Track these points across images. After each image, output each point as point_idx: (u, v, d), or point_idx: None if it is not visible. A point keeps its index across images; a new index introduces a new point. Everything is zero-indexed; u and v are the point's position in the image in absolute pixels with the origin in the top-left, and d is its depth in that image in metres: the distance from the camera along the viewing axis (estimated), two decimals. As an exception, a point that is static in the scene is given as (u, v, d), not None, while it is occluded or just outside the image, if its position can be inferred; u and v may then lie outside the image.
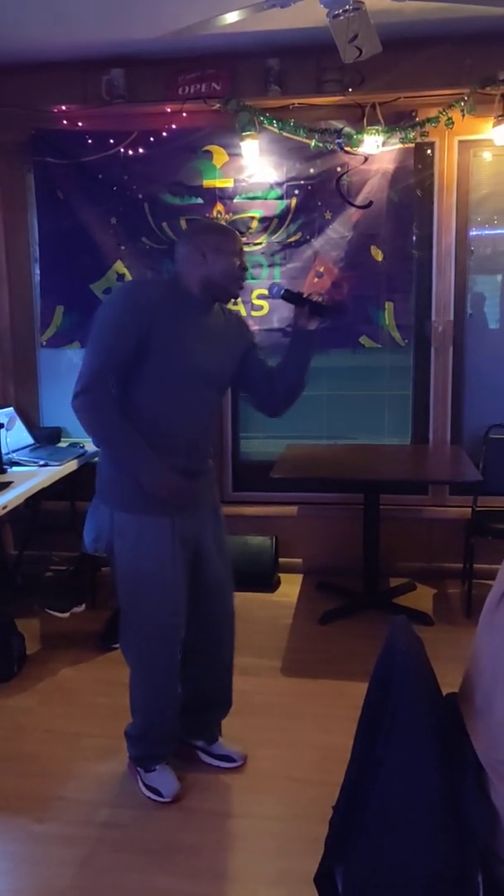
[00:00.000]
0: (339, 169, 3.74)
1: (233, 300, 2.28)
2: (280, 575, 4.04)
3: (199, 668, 2.34)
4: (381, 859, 1.35)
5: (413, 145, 3.68)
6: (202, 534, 2.23)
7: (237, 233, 2.21)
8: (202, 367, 2.13)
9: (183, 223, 3.87)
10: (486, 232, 3.93)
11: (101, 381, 2.02)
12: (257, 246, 3.86)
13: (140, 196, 3.90)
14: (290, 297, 2.22)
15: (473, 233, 3.88)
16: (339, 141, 3.61)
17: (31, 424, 4.04)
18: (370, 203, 3.73)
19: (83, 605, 3.43)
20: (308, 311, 2.20)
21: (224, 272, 2.11)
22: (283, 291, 2.22)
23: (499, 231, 3.93)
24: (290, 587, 3.94)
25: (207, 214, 3.86)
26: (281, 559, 4.06)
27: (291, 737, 2.58)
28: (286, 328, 3.76)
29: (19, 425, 3.90)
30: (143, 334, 2.02)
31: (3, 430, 3.43)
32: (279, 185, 3.81)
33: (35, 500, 3.55)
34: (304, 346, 2.24)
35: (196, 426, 2.18)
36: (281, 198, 3.81)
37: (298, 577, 4.04)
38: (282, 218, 3.83)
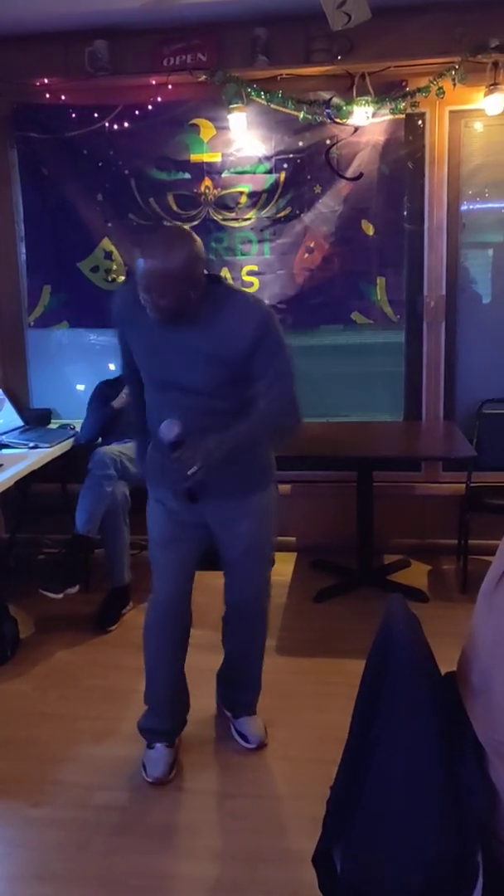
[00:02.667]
0: (328, 141, 3.67)
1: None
2: (274, 554, 4.01)
3: (229, 644, 2.49)
4: (379, 839, 1.34)
5: (403, 116, 3.61)
6: (214, 518, 2.22)
7: (142, 263, 1.94)
8: (173, 372, 2.06)
9: (171, 200, 3.79)
10: (478, 205, 3.87)
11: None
12: (246, 221, 3.80)
13: (126, 171, 3.82)
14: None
15: (465, 204, 3.83)
16: (329, 111, 3.54)
17: (20, 406, 3.99)
18: (360, 175, 3.67)
19: (77, 587, 3.39)
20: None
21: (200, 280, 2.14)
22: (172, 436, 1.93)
23: (490, 204, 3.88)
24: (285, 566, 3.93)
25: (195, 189, 3.79)
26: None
27: (288, 716, 2.57)
28: (278, 304, 3.72)
29: (8, 407, 3.85)
30: (125, 341, 2.21)
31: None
32: (268, 158, 3.74)
33: (26, 483, 3.52)
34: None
35: (188, 427, 1.97)
36: (270, 172, 3.75)
37: (292, 556, 4.03)
38: (271, 192, 3.77)
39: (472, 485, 3.67)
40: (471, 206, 3.86)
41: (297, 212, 3.77)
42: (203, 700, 2.53)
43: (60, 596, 3.18)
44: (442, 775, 1.24)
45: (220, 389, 2.06)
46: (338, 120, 3.58)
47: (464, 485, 3.67)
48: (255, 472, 2.22)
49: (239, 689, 2.51)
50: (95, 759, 2.39)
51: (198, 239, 1.98)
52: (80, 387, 4.14)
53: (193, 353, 2.03)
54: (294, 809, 2.12)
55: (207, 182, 3.79)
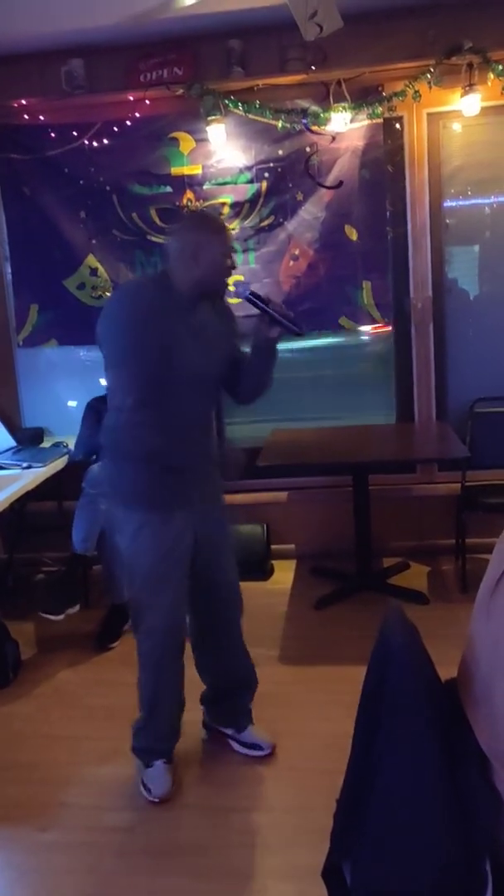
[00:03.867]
0: (307, 149, 3.68)
1: (219, 296, 2.27)
2: (273, 562, 4.02)
3: (216, 654, 2.42)
4: (388, 852, 1.33)
5: (381, 120, 3.62)
6: (203, 526, 2.24)
7: (229, 230, 2.20)
8: (194, 367, 2.12)
9: (154, 214, 3.80)
10: (461, 202, 3.89)
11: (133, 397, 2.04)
12: (231, 231, 3.80)
13: (108, 188, 3.83)
14: (254, 300, 2.16)
15: (448, 203, 3.84)
16: (305, 121, 3.56)
17: (12, 426, 3.98)
18: (340, 184, 3.68)
19: (77, 606, 3.39)
20: (269, 320, 2.16)
21: (215, 272, 2.12)
22: (248, 293, 2.18)
23: (473, 201, 3.89)
24: (284, 574, 3.92)
25: (177, 203, 3.80)
26: (273, 546, 4.04)
27: (292, 726, 2.56)
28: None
29: (0, 428, 3.84)
30: (158, 334, 2.04)
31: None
32: (248, 168, 3.75)
33: (21, 503, 3.51)
34: (265, 355, 2.24)
35: (190, 422, 2.16)
36: (251, 181, 3.76)
37: (292, 563, 4.02)
38: (253, 202, 3.78)
39: (466, 484, 3.67)
40: (454, 206, 3.87)
41: (281, 220, 3.78)
42: (197, 713, 2.51)
43: (61, 617, 3.18)
44: (446, 786, 1.24)
45: (222, 375, 2.24)
46: (315, 128, 3.60)
47: (459, 484, 3.68)
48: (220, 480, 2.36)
49: (244, 690, 2.47)
50: (101, 779, 2.38)
51: None
52: (72, 403, 4.13)
53: (215, 338, 2.19)
54: (302, 822, 2.10)
55: (189, 194, 3.80)
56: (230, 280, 2.22)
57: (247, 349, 2.29)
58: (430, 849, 1.25)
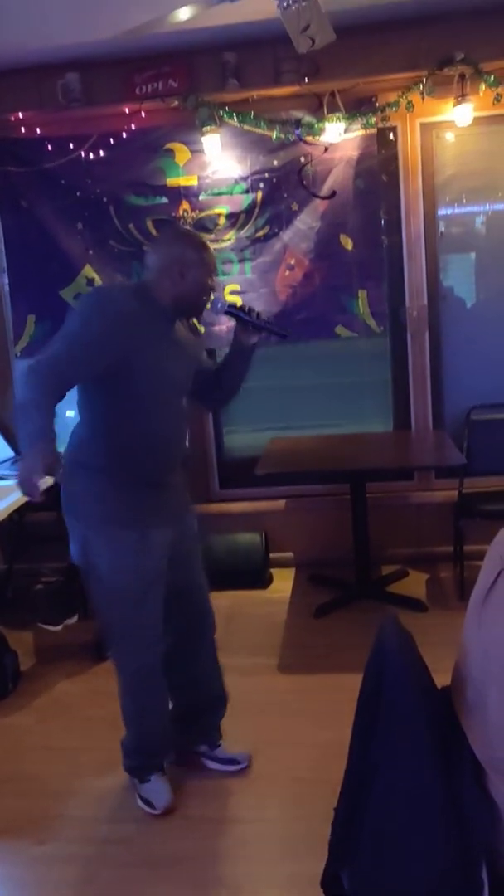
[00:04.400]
0: (302, 159, 3.71)
1: (197, 314, 2.30)
2: (272, 570, 4.02)
3: (188, 672, 2.35)
4: (385, 860, 1.34)
5: (375, 131, 3.65)
6: (175, 538, 2.22)
7: (211, 249, 2.18)
8: (175, 379, 2.14)
9: (150, 224, 3.83)
10: (456, 210, 3.91)
11: (54, 378, 1.94)
12: (226, 242, 3.83)
13: (104, 199, 3.85)
14: (231, 312, 2.23)
15: (443, 212, 3.87)
16: (298, 132, 3.58)
17: (10, 437, 3.99)
18: (334, 194, 3.70)
19: (76, 616, 3.39)
20: (251, 328, 2.20)
21: (199, 291, 2.12)
22: (227, 306, 2.24)
23: (468, 210, 3.92)
24: (283, 582, 3.92)
25: (174, 213, 3.82)
26: (272, 554, 4.05)
27: (292, 735, 2.56)
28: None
29: (-1, 439, 3.85)
30: (119, 353, 1.97)
31: (-19, 445, 3.38)
32: (244, 179, 3.77)
33: (20, 513, 3.51)
34: (242, 360, 2.27)
35: (171, 438, 2.18)
36: (246, 192, 3.78)
37: (290, 572, 4.02)
38: (249, 212, 3.80)
39: (464, 492, 3.68)
40: (448, 215, 3.90)
41: (276, 230, 3.80)
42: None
43: (60, 627, 3.18)
44: (442, 794, 1.25)
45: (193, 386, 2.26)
46: (309, 138, 3.63)
47: (457, 492, 3.69)
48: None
49: (216, 708, 2.41)
50: (99, 791, 2.37)
51: None
52: (70, 413, 4.13)
53: (191, 356, 2.21)
54: (302, 831, 2.10)
55: (185, 205, 3.82)
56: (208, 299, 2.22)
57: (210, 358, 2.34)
58: (427, 855, 1.26)
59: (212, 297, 2.19)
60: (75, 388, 2.10)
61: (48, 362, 1.94)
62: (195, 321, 2.34)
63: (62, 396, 1.98)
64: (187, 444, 2.34)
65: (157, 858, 2.07)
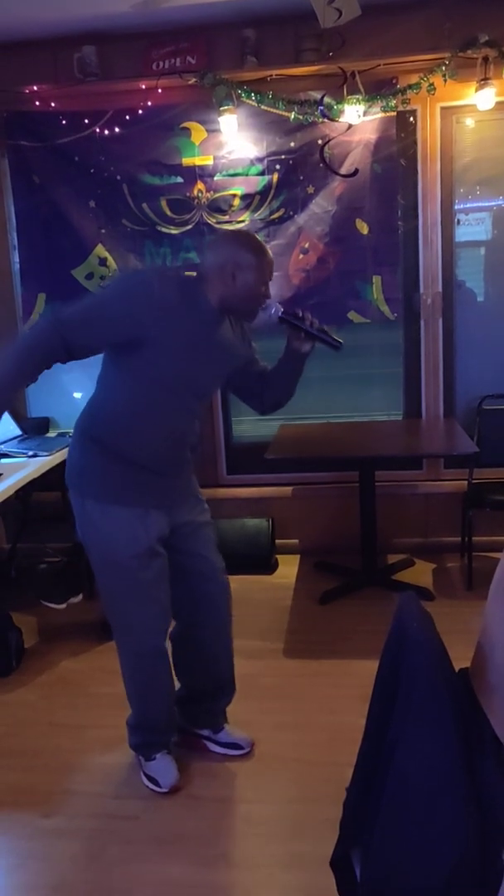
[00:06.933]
0: (319, 141, 3.66)
1: (246, 320, 2.20)
2: (278, 556, 4.01)
3: (199, 655, 2.32)
4: (399, 842, 1.32)
5: (395, 113, 3.60)
6: (181, 521, 2.20)
7: (271, 257, 2.09)
8: (196, 381, 2.09)
9: (164, 204, 3.78)
10: (472, 202, 3.87)
11: (59, 339, 1.93)
12: (240, 224, 3.79)
13: (118, 177, 3.80)
14: (286, 319, 2.11)
15: (460, 199, 3.82)
16: (322, 108, 3.52)
17: (18, 416, 3.97)
18: (356, 171, 3.64)
19: (80, 595, 3.39)
20: (304, 335, 2.13)
21: (249, 296, 2.04)
22: (280, 313, 2.10)
23: (486, 196, 3.87)
24: (289, 568, 3.91)
25: (188, 193, 3.78)
26: (278, 541, 4.03)
27: (297, 719, 2.55)
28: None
29: (6, 417, 3.79)
30: (141, 333, 1.94)
31: (-11, 421, 3.36)
32: (260, 160, 3.72)
33: (26, 492, 3.50)
34: (295, 366, 2.21)
35: (176, 435, 2.12)
36: (262, 173, 3.73)
37: (296, 558, 4.01)
38: (264, 194, 3.75)
39: (473, 481, 3.65)
40: (465, 202, 3.85)
41: (291, 213, 3.76)
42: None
43: (63, 606, 3.16)
44: (462, 775, 1.22)
45: (213, 394, 2.16)
46: (330, 118, 3.57)
47: (466, 482, 3.66)
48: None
49: (223, 695, 2.39)
50: (106, 767, 2.36)
51: None
52: (78, 395, 4.12)
53: (231, 360, 2.17)
54: (309, 813, 2.09)
55: (200, 185, 3.78)
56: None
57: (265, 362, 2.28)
58: (444, 838, 1.24)
59: (264, 303, 2.08)
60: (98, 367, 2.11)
61: (69, 318, 1.95)
62: (246, 325, 2.23)
63: (64, 356, 1.96)
64: (197, 441, 2.27)
65: (164, 835, 2.06)
